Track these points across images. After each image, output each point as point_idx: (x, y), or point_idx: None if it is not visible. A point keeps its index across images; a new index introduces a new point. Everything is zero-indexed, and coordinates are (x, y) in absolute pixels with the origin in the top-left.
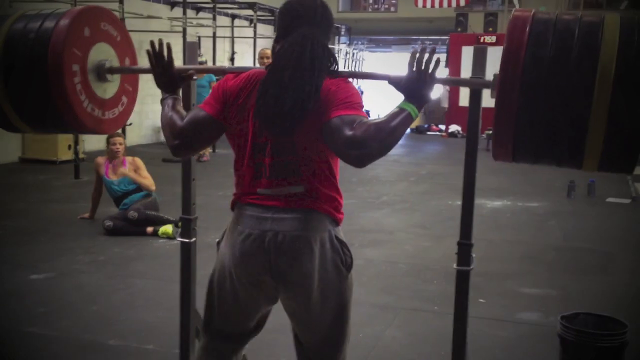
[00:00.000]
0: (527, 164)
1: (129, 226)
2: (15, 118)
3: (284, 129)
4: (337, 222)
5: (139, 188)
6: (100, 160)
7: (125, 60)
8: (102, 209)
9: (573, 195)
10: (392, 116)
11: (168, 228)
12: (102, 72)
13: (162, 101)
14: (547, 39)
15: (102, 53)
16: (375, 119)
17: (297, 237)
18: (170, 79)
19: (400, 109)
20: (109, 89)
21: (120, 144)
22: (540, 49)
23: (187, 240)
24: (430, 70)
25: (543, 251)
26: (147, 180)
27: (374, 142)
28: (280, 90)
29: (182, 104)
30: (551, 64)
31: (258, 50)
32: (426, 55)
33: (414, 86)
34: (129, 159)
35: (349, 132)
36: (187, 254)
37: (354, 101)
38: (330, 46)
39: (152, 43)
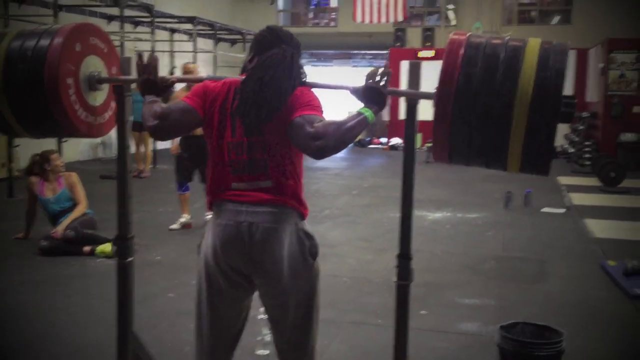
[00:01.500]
0: (463, 166)
1: (66, 245)
2: (16, 125)
3: (259, 120)
4: (303, 216)
5: (75, 205)
6: (34, 178)
7: (112, 69)
8: (37, 227)
9: (510, 206)
10: (351, 118)
11: (106, 247)
12: (93, 83)
13: (146, 101)
14: (477, 61)
15: (92, 65)
16: (335, 119)
17: (269, 228)
18: (155, 86)
19: (358, 113)
20: (99, 96)
21: (59, 158)
22: (472, 69)
23: (123, 260)
24: (383, 82)
25: (482, 261)
26: (81, 206)
27: (333, 136)
28: (261, 86)
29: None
30: (480, 82)
31: (200, 63)
32: (380, 70)
33: (371, 94)
34: (64, 174)
35: (310, 128)
36: (124, 273)
37: (315, 104)
38: None
39: (139, 55)
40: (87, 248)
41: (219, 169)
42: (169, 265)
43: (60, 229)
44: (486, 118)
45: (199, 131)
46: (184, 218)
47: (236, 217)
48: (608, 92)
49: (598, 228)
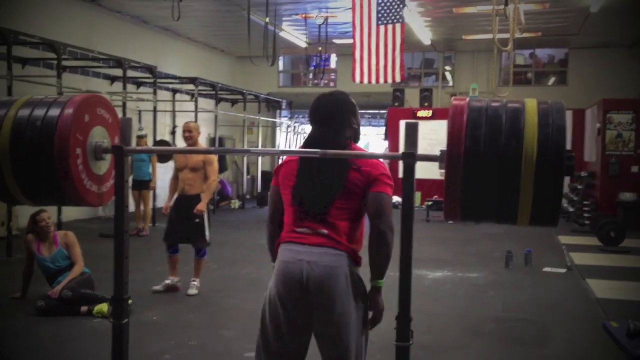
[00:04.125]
0: (473, 222)
1: (63, 305)
2: (18, 193)
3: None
4: (356, 262)
5: (72, 264)
6: (31, 237)
7: (115, 139)
8: (35, 287)
9: (511, 265)
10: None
11: (103, 307)
12: (99, 153)
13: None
14: (481, 123)
15: (98, 135)
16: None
17: (325, 266)
18: None
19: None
20: (103, 166)
21: (49, 218)
22: (477, 131)
23: (118, 322)
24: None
25: (482, 322)
26: (78, 266)
27: (391, 243)
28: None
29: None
30: (486, 143)
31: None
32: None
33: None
34: (60, 233)
35: (392, 220)
36: (119, 335)
37: (388, 180)
38: (275, 120)
39: None
40: (84, 308)
41: (287, 215)
42: (165, 325)
43: (57, 289)
44: (495, 176)
45: (192, 190)
46: (170, 280)
47: (296, 255)
48: (605, 151)
49: (599, 288)
